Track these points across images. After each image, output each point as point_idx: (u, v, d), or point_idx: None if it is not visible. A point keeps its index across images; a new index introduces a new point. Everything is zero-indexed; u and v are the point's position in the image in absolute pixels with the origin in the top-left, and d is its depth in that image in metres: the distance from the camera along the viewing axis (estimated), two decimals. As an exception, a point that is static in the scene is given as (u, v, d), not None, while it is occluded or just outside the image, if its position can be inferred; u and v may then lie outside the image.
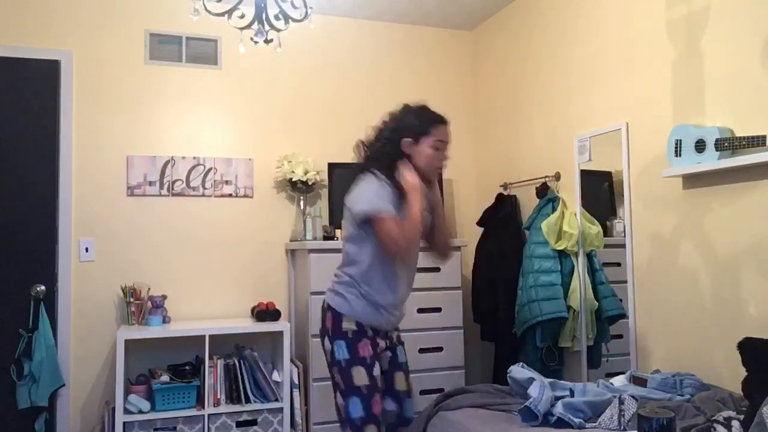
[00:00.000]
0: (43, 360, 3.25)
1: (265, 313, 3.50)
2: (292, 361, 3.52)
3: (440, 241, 2.41)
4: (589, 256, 3.18)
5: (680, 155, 2.49)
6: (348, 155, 4.06)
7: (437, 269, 3.62)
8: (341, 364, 2.18)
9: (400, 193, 2.19)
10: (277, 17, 2.72)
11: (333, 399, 3.43)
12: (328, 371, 2.26)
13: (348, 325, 2.20)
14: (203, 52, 3.81)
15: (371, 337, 2.22)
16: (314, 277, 3.40)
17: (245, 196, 3.82)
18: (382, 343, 2.28)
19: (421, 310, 3.58)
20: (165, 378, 3.31)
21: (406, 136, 2.24)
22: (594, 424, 2.05)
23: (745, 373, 2.01)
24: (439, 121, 2.29)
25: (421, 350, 3.56)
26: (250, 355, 3.45)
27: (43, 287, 3.39)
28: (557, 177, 3.43)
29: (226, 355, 3.45)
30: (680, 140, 2.49)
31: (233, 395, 3.37)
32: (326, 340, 2.24)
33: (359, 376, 2.15)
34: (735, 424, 1.88)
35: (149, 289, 3.57)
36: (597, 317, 3.14)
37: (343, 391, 2.17)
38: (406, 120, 2.28)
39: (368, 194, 2.17)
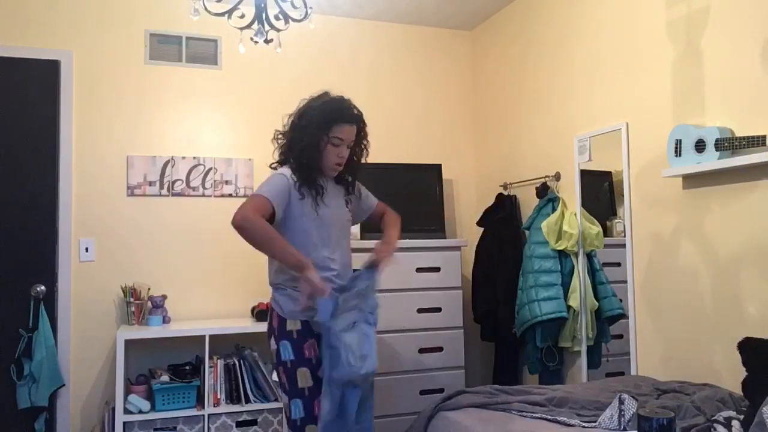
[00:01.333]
0: (43, 360, 3.25)
1: (265, 313, 3.50)
2: (292, 361, 3.52)
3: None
4: (589, 256, 3.18)
5: (680, 155, 2.49)
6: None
7: (437, 269, 3.62)
8: (287, 365, 2.19)
9: (310, 191, 2.24)
10: (277, 17, 2.72)
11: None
12: (275, 370, 2.27)
13: (292, 326, 2.21)
14: (203, 52, 3.81)
15: (318, 335, 2.21)
16: (314, 277, 3.40)
17: (245, 196, 3.82)
18: None
19: (421, 310, 3.58)
20: (165, 378, 3.31)
21: (311, 129, 2.23)
22: (594, 424, 2.05)
23: (745, 373, 2.01)
24: (341, 119, 2.26)
25: (421, 350, 3.56)
26: (250, 355, 3.45)
27: (43, 287, 3.39)
28: (557, 177, 3.43)
29: (226, 355, 3.46)
30: (680, 140, 2.49)
31: (233, 395, 3.37)
32: (272, 340, 2.25)
33: (303, 378, 2.17)
34: (735, 424, 1.88)
35: (149, 289, 3.57)
36: (597, 317, 3.14)
37: (288, 392, 2.19)
38: (312, 112, 2.27)
39: (263, 184, 2.22)
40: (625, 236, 2.94)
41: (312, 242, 2.25)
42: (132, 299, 3.45)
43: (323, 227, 2.26)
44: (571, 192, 3.31)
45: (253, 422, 3.37)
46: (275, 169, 2.35)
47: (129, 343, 3.29)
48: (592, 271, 3.17)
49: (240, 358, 3.44)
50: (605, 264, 3.13)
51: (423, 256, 3.61)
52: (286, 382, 2.20)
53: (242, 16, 2.72)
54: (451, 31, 4.38)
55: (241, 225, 2.11)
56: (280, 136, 2.36)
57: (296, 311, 2.20)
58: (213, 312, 3.72)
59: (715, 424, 1.90)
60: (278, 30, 2.75)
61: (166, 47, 3.74)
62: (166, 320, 3.48)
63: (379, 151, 4.14)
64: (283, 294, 2.25)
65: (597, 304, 3.14)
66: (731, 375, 2.35)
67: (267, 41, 2.71)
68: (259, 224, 2.12)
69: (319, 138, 2.24)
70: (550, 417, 2.13)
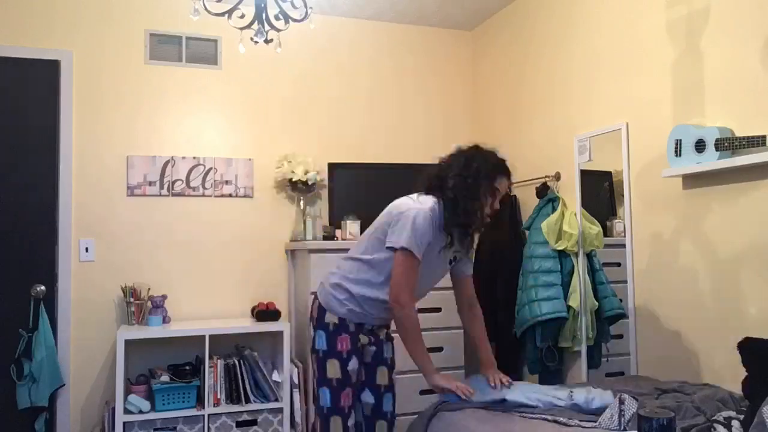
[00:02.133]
0: (43, 360, 3.25)
1: (265, 313, 3.50)
2: (292, 361, 3.53)
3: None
4: (589, 256, 3.18)
5: (680, 155, 2.49)
6: (348, 155, 4.09)
7: (437, 269, 3.62)
8: (319, 354, 2.29)
9: (448, 237, 2.25)
10: (277, 17, 2.72)
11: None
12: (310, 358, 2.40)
13: (330, 318, 2.30)
14: (203, 52, 3.81)
15: (353, 332, 2.31)
16: (314, 277, 3.39)
17: (245, 196, 3.82)
18: (364, 339, 2.35)
19: (421, 310, 3.56)
20: (165, 378, 3.31)
21: (481, 175, 2.23)
22: (594, 424, 2.05)
23: (745, 373, 2.01)
24: (505, 171, 2.29)
25: (421, 350, 3.56)
26: (250, 355, 3.45)
27: (43, 287, 3.39)
28: (557, 177, 3.43)
29: (226, 355, 3.46)
30: (680, 140, 2.49)
31: (233, 395, 3.37)
32: (310, 328, 2.36)
33: (333, 368, 2.26)
34: (735, 424, 1.88)
35: (149, 289, 3.57)
36: (597, 317, 3.14)
37: (318, 379, 2.29)
38: (479, 160, 2.26)
39: (412, 230, 2.17)
40: (625, 236, 2.94)
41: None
42: (132, 299, 3.45)
43: (427, 276, 2.34)
44: (571, 192, 3.31)
45: (253, 422, 3.37)
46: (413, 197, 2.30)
47: (129, 343, 3.29)
48: (592, 271, 3.17)
49: (240, 358, 3.44)
50: (605, 264, 3.13)
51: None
52: (317, 370, 2.30)
53: (242, 16, 2.72)
54: (451, 31, 4.38)
55: (401, 318, 2.24)
56: (444, 165, 2.30)
57: (340, 312, 2.29)
58: (213, 312, 3.72)
59: (715, 424, 1.90)
60: (278, 30, 2.75)
61: (166, 47, 3.74)
62: (166, 320, 3.48)
63: (378, 151, 4.16)
64: (338, 295, 2.31)
65: (597, 304, 3.14)
66: (731, 375, 2.35)
67: (267, 41, 2.71)
68: (414, 318, 2.26)
69: (485, 187, 2.24)
70: (550, 417, 2.13)
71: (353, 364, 2.29)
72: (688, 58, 2.60)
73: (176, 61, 3.75)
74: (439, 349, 3.60)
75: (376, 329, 2.41)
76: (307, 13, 2.75)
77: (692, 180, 2.58)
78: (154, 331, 3.33)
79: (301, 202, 3.85)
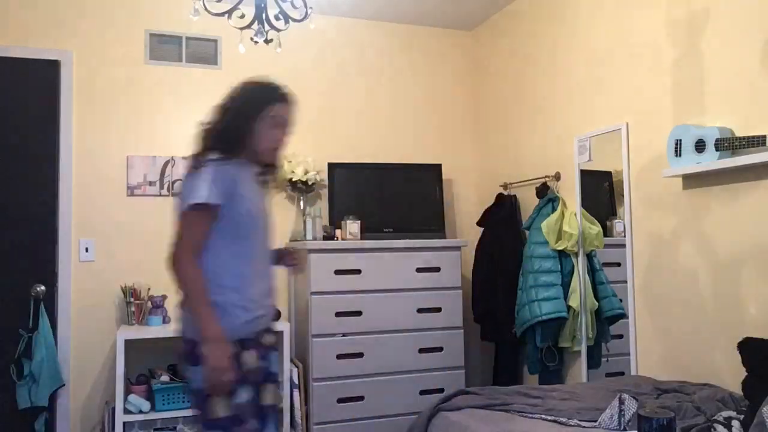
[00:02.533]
0: (43, 360, 3.24)
1: (265, 313, 3.50)
2: (292, 361, 3.52)
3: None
4: (589, 256, 3.18)
5: (680, 155, 2.49)
6: (348, 155, 4.09)
7: (437, 269, 3.62)
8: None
9: (253, 171, 2.07)
10: (277, 17, 2.72)
11: (333, 399, 3.44)
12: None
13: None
14: (203, 52, 3.81)
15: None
16: (314, 277, 3.40)
17: (245, 196, 3.82)
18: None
19: (421, 310, 3.58)
20: (165, 378, 3.31)
21: (247, 111, 2.07)
22: (594, 424, 2.05)
23: (745, 373, 2.02)
24: (282, 97, 2.09)
25: (421, 350, 3.56)
26: (250, 355, 3.45)
27: (43, 287, 3.39)
28: (557, 177, 3.43)
29: (226, 355, 3.45)
30: (680, 140, 2.49)
31: (233, 395, 3.37)
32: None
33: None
34: (735, 424, 1.88)
35: (149, 289, 3.57)
36: (597, 317, 3.14)
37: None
38: (247, 94, 2.11)
39: (198, 183, 2.01)
40: (625, 236, 2.94)
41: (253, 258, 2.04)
42: (132, 299, 3.45)
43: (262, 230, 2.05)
44: (571, 192, 3.31)
45: (253, 422, 3.36)
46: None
47: (129, 343, 3.29)
48: (592, 271, 3.17)
49: (240, 358, 3.44)
50: (605, 264, 3.13)
51: (423, 256, 3.61)
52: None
53: (242, 16, 2.72)
54: (451, 31, 4.38)
55: (181, 276, 1.97)
56: (208, 126, 2.15)
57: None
58: (213, 312, 3.72)
59: (715, 424, 1.91)
60: (278, 30, 2.76)
61: (166, 47, 3.74)
62: (166, 320, 3.48)
63: (378, 151, 4.16)
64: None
65: (597, 304, 3.14)
66: (731, 375, 2.35)
67: (267, 41, 2.71)
68: (194, 274, 1.96)
69: (260, 120, 2.07)
70: (549, 417, 2.13)
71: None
72: (688, 58, 2.60)
73: (176, 61, 3.75)
74: (439, 349, 3.60)
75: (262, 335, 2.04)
76: (307, 13, 2.75)
77: (692, 180, 2.58)
78: (154, 331, 3.32)
79: (301, 202, 3.85)
